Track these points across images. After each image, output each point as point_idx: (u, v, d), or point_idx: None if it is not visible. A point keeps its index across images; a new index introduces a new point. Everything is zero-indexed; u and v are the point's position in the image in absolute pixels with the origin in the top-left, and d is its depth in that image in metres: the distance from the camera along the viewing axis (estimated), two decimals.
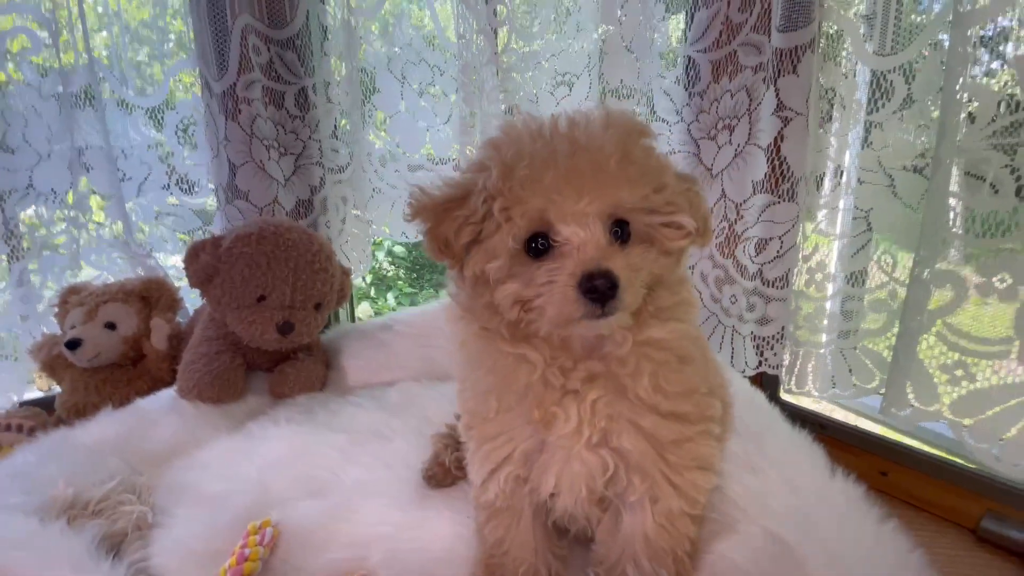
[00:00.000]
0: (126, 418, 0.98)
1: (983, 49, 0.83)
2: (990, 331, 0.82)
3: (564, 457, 0.58)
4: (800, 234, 1.04)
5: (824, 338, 1.07)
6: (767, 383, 1.18)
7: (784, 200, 1.03)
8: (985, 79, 0.80)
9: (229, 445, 0.95)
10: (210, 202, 1.45)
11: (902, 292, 0.94)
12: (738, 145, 1.09)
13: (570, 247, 0.51)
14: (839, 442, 1.08)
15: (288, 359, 1.21)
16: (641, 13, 1.14)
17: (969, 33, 0.80)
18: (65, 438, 0.91)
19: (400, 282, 3.29)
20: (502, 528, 0.65)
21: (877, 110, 0.95)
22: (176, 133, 1.40)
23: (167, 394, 1.09)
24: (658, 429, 0.57)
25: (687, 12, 1.12)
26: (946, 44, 0.84)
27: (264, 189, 1.37)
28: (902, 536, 0.62)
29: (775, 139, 1.01)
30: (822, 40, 0.97)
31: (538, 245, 0.52)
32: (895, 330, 0.94)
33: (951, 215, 0.83)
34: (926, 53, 0.88)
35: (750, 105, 1.06)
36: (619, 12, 1.17)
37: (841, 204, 1.03)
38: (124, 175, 1.38)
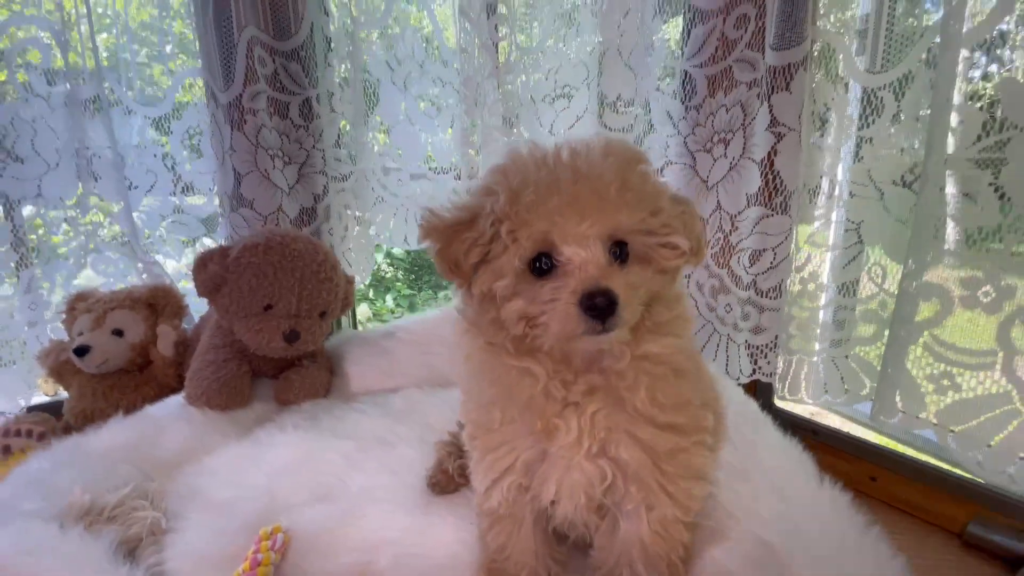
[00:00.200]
0: (136, 425, 1.00)
1: (972, 68, 0.86)
2: (975, 343, 0.85)
3: (564, 466, 0.61)
4: (793, 245, 1.07)
5: (817, 346, 1.10)
6: (761, 390, 1.21)
7: (778, 213, 1.06)
8: (970, 101, 0.83)
9: (238, 452, 0.98)
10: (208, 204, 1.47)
11: (892, 303, 0.97)
12: (733, 158, 1.11)
13: (572, 267, 0.54)
14: (830, 448, 1.11)
15: (293, 366, 1.24)
16: (639, 29, 1.17)
17: (957, 54, 0.83)
18: (78, 445, 0.93)
19: (399, 284, 3.31)
20: (504, 534, 0.67)
21: (868, 126, 0.98)
22: (182, 141, 1.43)
23: (175, 401, 1.11)
24: (654, 440, 0.59)
25: (684, 28, 1.15)
26: (935, 63, 0.87)
27: (268, 197, 1.39)
28: (884, 543, 0.65)
29: (769, 153, 1.04)
30: (815, 57, 1.00)
31: (542, 265, 0.55)
32: (885, 339, 0.97)
33: (938, 230, 0.87)
34: (916, 71, 0.91)
35: (744, 120, 1.09)
36: (617, 27, 1.19)
37: (833, 216, 1.07)
38: (131, 184, 1.40)
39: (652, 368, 0.59)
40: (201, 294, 1.15)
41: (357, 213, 1.52)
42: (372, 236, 1.55)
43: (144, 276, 1.43)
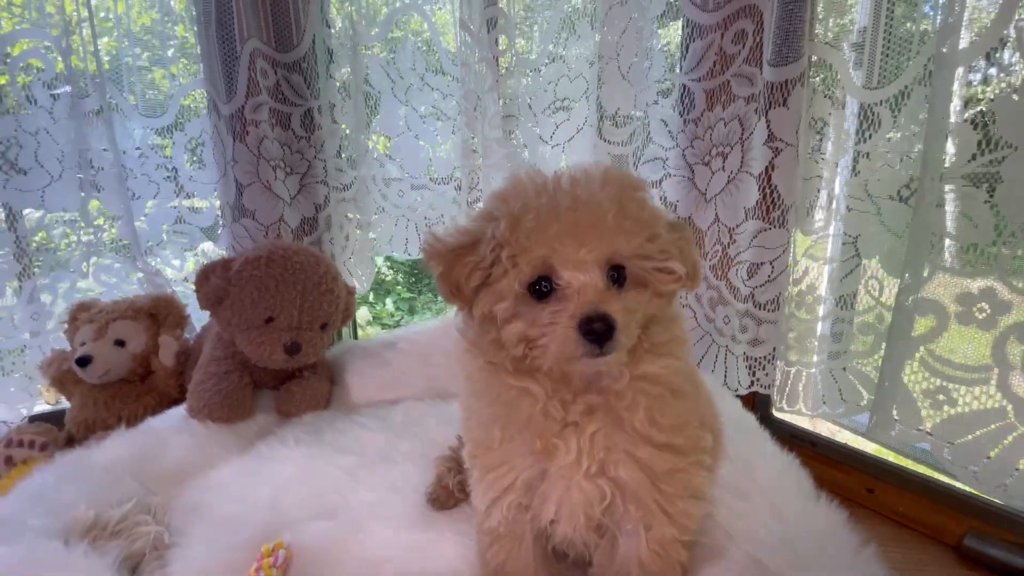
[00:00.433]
0: (139, 438, 1.01)
1: (967, 86, 0.87)
2: (970, 358, 0.86)
3: (564, 486, 0.62)
4: (791, 258, 1.08)
5: (814, 359, 1.11)
6: (759, 401, 1.22)
7: (775, 226, 1.07)
8: (965, 121, 0.84)
9: (240, 466, 0.98)
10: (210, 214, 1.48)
11: (888, 316, 0.98)
12: (731, 172, 1.12)
13: (571, 290, 0.55)
14: (828, 459, 1.12)
15: (294, 377, 1.24)
16: (637, 43, 1.18)
17: (952, 72, 0.84)
18: (80, 459, 0.94)
19: (399, 287, 3.32)
20: (504, 553, 0.68)
21: (865, 140, 0.99)
22: (184, 152, 1.44)
23: (177, 413, 1.12)
24: (653, 460, 0.60)
25: (683, 42, 1.16)
26: (931, 81, 0.88)
27: (270, 208, 1.40)
28: (879, 563, 0.66)
29: (766, 168, 1.05)
30: (812, 73, 1.01)
31: (542, 288, 0.56)
32: (882, 352, 0.98)
33: (934, 245, 0.87)
34: (912, 88, 0.92)
35: (742, 134, 1.10)
36: (617, 41, 1.20)
37: (831, 230, 1.07)
38: (133, 194, 1.41)
39: (650, 388, 0.60)
40: (203, 307, 1.16)
41: (358, 223, 1.53)
42: (373, 245, 1.55)
43: (146, 286, 1.44)
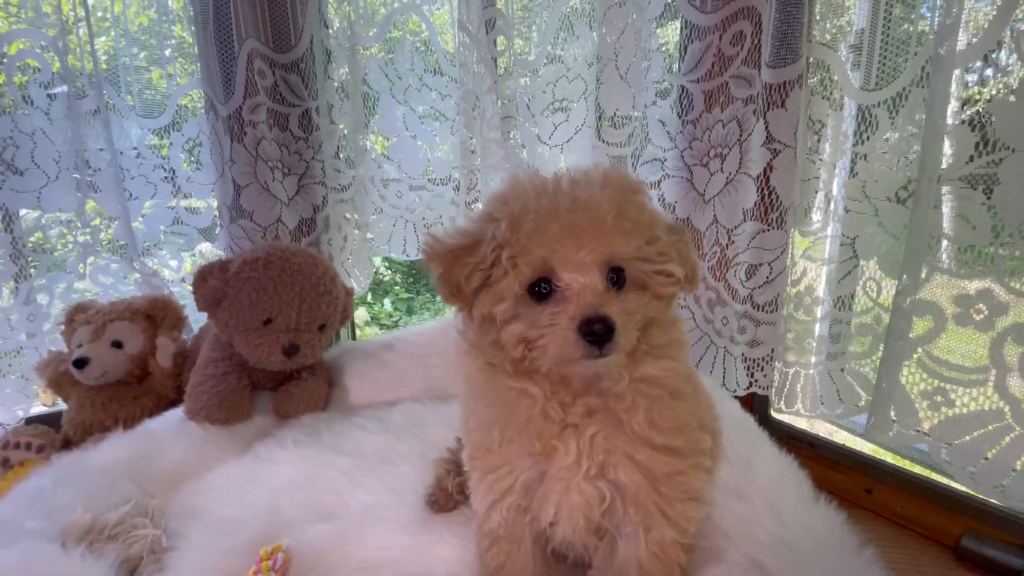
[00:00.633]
0: (136, 440, 1.00)
1: (964, 88, 0.87)
2: (968, 359, 0.86)
3: (563, 488, 0.62)
4: (789, 260, 1.08)
5: (813, 359, 1.11)
6: (758, 402, 1.22)
7: (773, 228, 1.07)
8: (962, 122, 0.84)
9: (238, 468, 0.98)
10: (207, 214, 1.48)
11: (886, 317, 0.98)
12: (729, 173, 1.12)
13: (571, 292, 0.55)
14: (826, 460, 1.12)
15: (292, 379, 1.24)
16: (635, 44, 1.18)
17: (950, 74, 0.84)
18: (77, 461, 0.93)
19: (397, 288, 3.32)
20: (503, 555, 0.68)
21: (862, 142, 0.99)
22: (182, 153, 1.43)
23: (175, 415, 1.12)
24: (652, 462, 0.60)
25: (681, 43, 1.16)
26: (928, 83, 0.88)
27: (268, 209, 1.39)
28: (877, 565, 0.66)
29: (765, 169, 1.05)
30: (810, 73, 1.01)
31: (541, 289, 0.56)
32: (880, 353, 0.98)
33: (931, 247, 0.88)
34: (909, 89, 0.93)
35: (741, 135, 1.10)
36: (615, 41, 1.20)
37: (829, 231, 1.07)
38: (130, 195, 1.41)
39: (650, 391, 0.60)
40: (201, 308, 1.15)
41: (356, 224, 1.53)
42: (371, 245, 1.55)
43: (143, 287, 1.43)
